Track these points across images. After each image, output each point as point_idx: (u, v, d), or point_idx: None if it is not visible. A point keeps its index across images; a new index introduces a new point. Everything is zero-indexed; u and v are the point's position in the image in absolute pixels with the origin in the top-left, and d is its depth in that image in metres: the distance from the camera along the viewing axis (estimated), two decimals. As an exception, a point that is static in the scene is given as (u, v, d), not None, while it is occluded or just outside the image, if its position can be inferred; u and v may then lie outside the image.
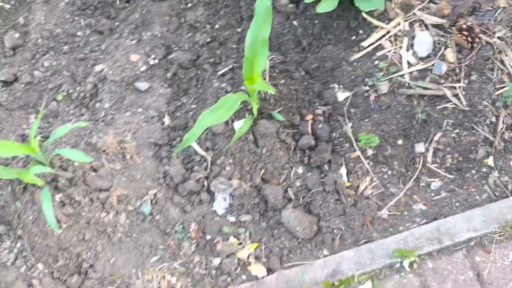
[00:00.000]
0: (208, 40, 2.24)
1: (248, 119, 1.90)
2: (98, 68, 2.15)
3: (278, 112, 1.97)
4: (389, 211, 1.90)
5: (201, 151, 1.95)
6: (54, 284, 1.80)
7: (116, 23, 2.30)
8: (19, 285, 1.78)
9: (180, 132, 2.06)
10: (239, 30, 2.27)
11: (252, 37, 1.64)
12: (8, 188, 1.91)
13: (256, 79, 1.67)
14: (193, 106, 2.10)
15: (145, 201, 1.94)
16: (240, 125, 1.91)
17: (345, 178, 1.93)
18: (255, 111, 1.92)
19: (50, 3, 2.17)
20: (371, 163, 1.97)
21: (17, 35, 2.20)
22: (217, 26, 2.26)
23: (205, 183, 1.94)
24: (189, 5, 2.31)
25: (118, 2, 2.32)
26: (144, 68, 2.18)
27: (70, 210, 1.85)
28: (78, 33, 2.23)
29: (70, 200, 1.86)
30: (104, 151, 1.94)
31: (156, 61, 2.19)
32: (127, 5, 2.32)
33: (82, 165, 1.90)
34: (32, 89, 2.14)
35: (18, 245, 1.86)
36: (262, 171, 1.96)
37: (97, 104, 2.13)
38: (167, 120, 2.10)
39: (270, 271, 1.83)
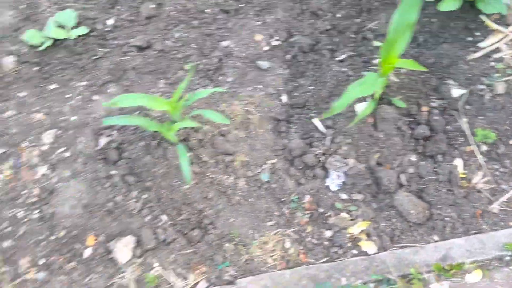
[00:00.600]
0: (328, 27, 2.35)
1: (371, 102, 1.99)
2: (224, 43, 2.29)
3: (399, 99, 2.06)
4: (500, 206, 1.94)
5: (322, 128, 2.06)
6: (176, 235, 1.93)
7: (241, 5, 2.44)
8: (145, 232, 1.92)
9: (298, 110, 2.17)
10: (357, 20, 2.38)
11: (398, 20, 1.73)
12: (141, 142, 2.06)
13: (395, 61, 1.76)
14: (311, 87, 2.21)
15: (264, 169, 2.05)
16: (362, 107, 2.00)
17: (460, 169, 1.99)
18: (378, 95, 2.01)
19: (186, -21, 2.33)
20: (484, 159, 2.02)
21: (152, 6, 2.37)
22: (338, 15, 2.36)
23: (321, 159, 2.03)
24: (312, -7, 2.43)
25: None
26: (266, 48, 2.31)
27: (197, 169, 1.98)
28: (207, 10, 2.38)
29: (198, 160, 1.99)
30: (231, 118, 2.07)
31: (278, 42, 2.32)
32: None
33: (211, 129, 2.03)
34: (163, 57, 2.30)
35: (145, 196, 2.00)
36: (377, 155, 2.04)
37: (220, 77, 2.27)
38: (284, 98, 2.22)
39: (380, 249, 1.90)
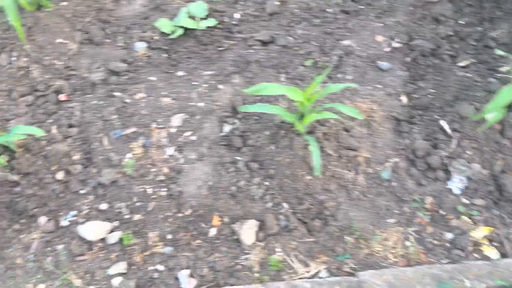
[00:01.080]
0: (450, 33, 2.36)
1: (502, 109, 1.98)
2: (345, 42, 2.35)
3: (529, 108, 2.04)
4: None
5: (449, 131, 2.07)
6: (298, 223, 1.99)
7: (361, 7, 2.49)
8: (269, 218, 1.98)
9: (420, 111, 2.19)
10: (479, 29, 2.37)
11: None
12: (265, 132, 2.13)
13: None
14: (433, 90, 2.22)
15: (385, 167, 2.08)
16: (492, 114, 1.99)
17: None
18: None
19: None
20: None
21: (277, 3, 2.46)
22: (460, 22, 2.37)
23: (445, 161, 2.04)
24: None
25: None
26: (387, 49, 2.34)
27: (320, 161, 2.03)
28: (329, 10, 2.44)
29: (322, 153, 2.05)
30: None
31: (399, 45, 2.35)
32: (372, -9, 2.50)
33: (336, 124, 2.08)
34: (285, 52, 2.37)
35: (267, 183, 2.07)
36: (502, 161, 2.03)
37: (339, 75, 2.32)
38: (404, 99, 2.24)
39: (503, 256, 1.89)
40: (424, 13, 2.43)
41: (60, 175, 2.10)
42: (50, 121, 2.26)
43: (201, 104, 2.28)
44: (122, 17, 2.54)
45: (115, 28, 2.50)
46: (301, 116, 2.07)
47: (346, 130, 2.10)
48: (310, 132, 2.07)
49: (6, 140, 1.91)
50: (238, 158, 2.13)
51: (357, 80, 2.28)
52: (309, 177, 2.03)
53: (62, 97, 2.34)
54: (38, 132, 1.89)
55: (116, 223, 2.02)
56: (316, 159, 1.91)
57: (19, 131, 1.88)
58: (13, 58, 2.37)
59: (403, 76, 2.30)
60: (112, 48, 2.44)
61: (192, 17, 2.38)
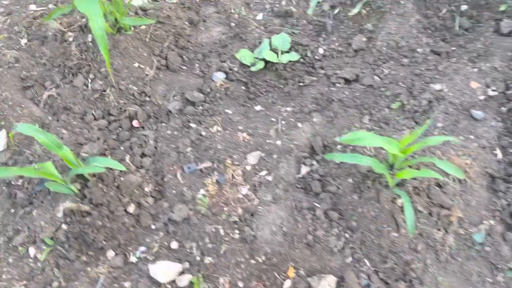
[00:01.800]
0: (553, 84, 2.17)
1: None
2: (436, 86, 2.19)
3: None
4: None
5: (555, 197, 1.88)
6: (380, 283, 1.84)
7: (453, 48, 2.33)
8: (349, 275, 1.84)
9: (517, 169, 2.01)
10: None
11: None
12: (348, 179, 2.00)
13: None
14: (533, 147, 2.04)
15: (478, 229, 1.91)
16: None
17: None
18: None
19: (404, 16, 2.26)
20: None
21: (364, 39, 2.32)
22: None
23: (547, 229, 1.86)
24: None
25: (457, 28, 2.34)
26: (481, 97, 2.17)
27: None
28: (418, 50, 2.29)
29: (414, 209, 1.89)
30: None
31: (494, 93, 2.17)
32: (465, 32, 2.34)
33: (429, 178, 1.93)
34: (370, 92, 2.24)
35: (347, 235, 1.94)
36: None
37: (428, 121, 2.16)
38: (499, 153, 2.06)
39: None
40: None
41: (131, 208, 2.03)
42: (122, 148, 2.20)
43: (278, 142, 2.17)
44: (200, 43, 2.46)
45: (193, 55, 2.43)
46: (391, 166, 1.93)
47: (439, 186, 1.94)
48: (399, 184, 1.93)
49: (84, 172, 1.85)
50: (316, 204, 2.01)
51: (448, 129, 2.12)
52: (395, 234, 1.88)
53: (135, 123, 2.28)
54: (119, 167, 1.82)
55: (186, 265, 1.93)
56: (409, 218, 1.76)
57: (99, 164, 1.82)
58: (89, 80, 2.32)
59: (498, 127, 2.13)
60: (189, 76, 2.37)
61: (274, 50, 2.27)
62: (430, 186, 1.93)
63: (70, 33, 2.44)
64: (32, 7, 2.63)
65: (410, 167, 1.91)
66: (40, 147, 2.15)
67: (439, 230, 1.91)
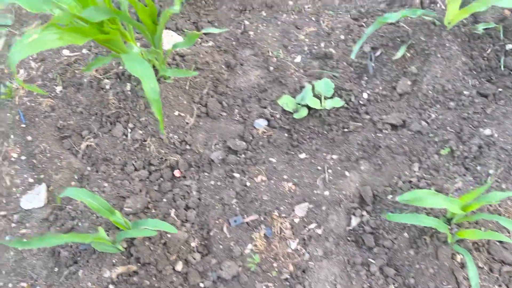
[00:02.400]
0: None
1: None
2: (486, 131, 2.13)
3: None
4: None
5: None
6: None
7: (500, 89, 2.27)
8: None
9: None
10: None
11: None
12: (404, 233, 1.94)
13: None
14: None
15: (542, 285, 1.84)
16: None
17: None
18: None
19: (449, 59, 2.21)
20: None
21: (409, 82, 2.27)
22: None
23: None
24: None
25: (502, 68, 2.29)
26: (534, 143, 2.11)
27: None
28: (465, 92, 2.24)
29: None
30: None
31: (547, 139, 2.11)
32: (511, 72, 2.29)
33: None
34: (418, 138, 2.18)
35: (404, 292, 1.87)
36: None
37: (479, 167, 2.10)
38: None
39: None
40: None
41: (179, 266, 1.97)
42: (165, 200, 2.15)
43: (326, 193, 2.11)
44: (238, 88, 2.42)
45: (232, 100, 2.38)
46: (448, 221, 1.87)
47: (500, 241, 1.87)
48: (458, 240, 1.86)
49: (136, 235, 1.80)
50: (370, 260, 1.95)
51: (501, 176, 2.06)
52: (461, 292, 1.82)
53: (177, 173, 2.23)
54: (171, 230, 1.77)
55: (238, 326, 1.87)
56: (473, 278, 1.70)
57: (151, 226, 1.77)
58: (129, 130, 2.28)
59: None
60: (229, 123, 2.32)
61: (317, 96, 2.22)
62: (490, 242, 1.87)
63: (106, 80, 2.40)
64: (66, 52, 2.59)
65: (469, 223, 1.85)
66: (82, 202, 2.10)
67: (500, 286, 1.84)
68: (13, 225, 2.14)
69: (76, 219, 2.09)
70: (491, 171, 2.09)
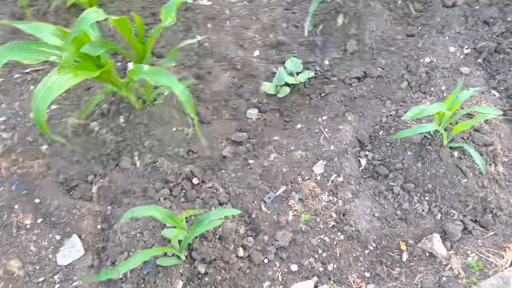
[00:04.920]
0: (503, 30, 2.74)
1: None
2: (426, 60, 2.63)
3: None
4: None
5: (557, 106, 2.38)
6: (472, 223, 2.15)
7: (420, 28, 2.81)
8: (448, 227, 2.13)
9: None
10: (524, 21, 2.78)
11: None
12: (408, 152, 2.31)
13: None
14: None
15: (517, 152, 2.33)
16: None
17: None
18: None
19: (377, 15, 2.68)
20: None
21: (354, 42, 2.70)
22: (508, 19, 2.76)
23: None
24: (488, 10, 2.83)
25: (414, 12, 2.84)
26: (461, 56, 2.66)
27: (468, 163, 2.24)
28: (397, 37, 2.73)
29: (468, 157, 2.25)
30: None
31: (469, 50, 2.68)
32: (421, 13, 2.85)
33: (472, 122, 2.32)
34: (381, 81, 2.60)
35: (427, 197, 2.23)
36: None
37: (432, 88, 2.58)
38: (496, 93, 2.55)
39: None
40: (475, 20, 2.79)
41: (240, 252, 2.10)
42: (198, 206, 2.26)
43: (332, 147, 2.41)
44: (217, 92, 2.63)
45: (217, 104, 2.58)
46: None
47: (476, 130, 2.33)
48: (451, 140, 2.28)
49: (205, 229, 1.90)
50: (391, 183, 2.28)
51: (451, 89, 2.55)
52: (464, 180, 2.22)
53: (195, 180, 2.36)
54: (235, 212, 1.92)
55: (315, 278, 2.06)
56: (479, 160, 2.11)
57: (216, 217, 1.89)
58: (136, 158, 2.36)
59: (482, 75, 2.61)
60: (223, 123, 2.52)
61: (291, 74, 2.53)
62: (471, 133, 2.32)
63: (93, 123, 2.44)
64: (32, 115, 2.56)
65: (456, 122, 2.28)
66: (123, 233, 2.13)
67: (490, 165, 2.29)
68: (57, 286, 2.08)
69: (125, 251, 2.10)
70: (443, 87, 2.58)
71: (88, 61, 1.98)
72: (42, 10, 2.70)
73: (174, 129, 2.43)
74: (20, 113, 2.58)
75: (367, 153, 2.41)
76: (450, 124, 2.29)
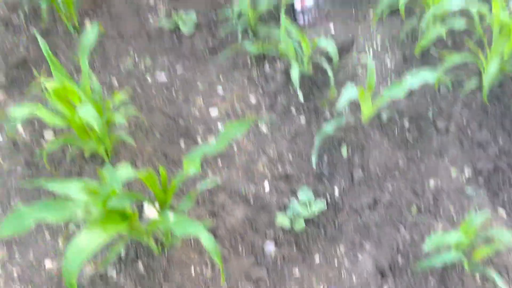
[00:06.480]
0: (496, 152, 2.91)
1: None
2: (431, 183, 2.75)
3: None
4: None
5: None
6: None
7: (419, 153, 2.98)
8: None
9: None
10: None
11: None
12: (430, 280, 2.30)
13: None
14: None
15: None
16: None
17: None
18: None
19: (378, 145, 2.85)
20: None
21: (360, 170, 2.82)
22: (500, 142, 2.95)
23: None
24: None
25: (411, 140, 3.03)
26: (463, 178, 2.79)
27: None
28: (400, 162, 2.87)
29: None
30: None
31: (470, 171, 2.82)
32: (418, 140, 3.04)
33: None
34: (392, 208, 2.67)
35: None
36: None
37: (441, 212, 2.66)
38: (503, 212, 2.65)
39: None
40: (469, 144, 2.97)
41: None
42: None
43: (354, 280, 2.39)
44: (231, 227, 2.66)
45: (233, 241, 2.60)
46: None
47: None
48: (473, 265, 2.29)
49: None
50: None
51: (459, 211, 2.64)
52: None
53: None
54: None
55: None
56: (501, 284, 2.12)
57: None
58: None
59: (487, 194, 2.72)
60: (240, 260, 2.51)
61: (303, 205, 2.61)
62: (490, 257, 2.34)
63: (112, 272, 2.41)
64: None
65: (474, 247, 2.31)
66: None
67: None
68: None
69: None
70: (452, 210, 2.66)
71: (113, 213, 2.02)
72: (57, 159, 2.80)
73: (193, 272, 2.40)
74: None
75: (389, 283, 2.39)
76: (467, 248, 2.33)
